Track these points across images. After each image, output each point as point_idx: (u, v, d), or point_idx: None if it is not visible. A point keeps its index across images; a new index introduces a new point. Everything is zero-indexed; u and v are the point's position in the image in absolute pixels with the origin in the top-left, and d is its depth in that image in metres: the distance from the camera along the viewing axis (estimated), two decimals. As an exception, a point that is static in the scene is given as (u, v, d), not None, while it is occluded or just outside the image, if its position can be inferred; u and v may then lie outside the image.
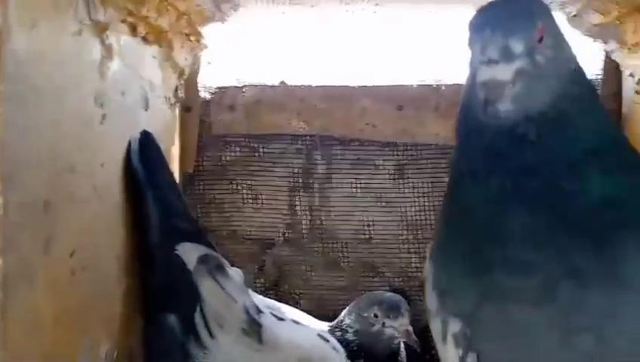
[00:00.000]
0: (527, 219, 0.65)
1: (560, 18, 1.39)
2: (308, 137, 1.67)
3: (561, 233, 0.64)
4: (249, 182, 1.67)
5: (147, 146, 1.25)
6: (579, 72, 0.73)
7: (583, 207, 0.65)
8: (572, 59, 0.73)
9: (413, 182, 1.67)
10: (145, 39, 1.31)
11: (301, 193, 1.67)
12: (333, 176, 1.68)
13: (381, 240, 1.67)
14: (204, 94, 1.68)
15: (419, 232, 1.66)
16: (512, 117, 0.67)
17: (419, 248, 1.66)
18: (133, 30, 1.24)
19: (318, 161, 1.67)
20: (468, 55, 0.75)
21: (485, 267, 0.68)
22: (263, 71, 1.69)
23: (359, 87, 1.67)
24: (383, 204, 1.67)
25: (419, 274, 1.61)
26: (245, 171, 1.67)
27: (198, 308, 1.21)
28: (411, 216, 1.67)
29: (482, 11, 0.72)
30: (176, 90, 1.56)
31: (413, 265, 1.65)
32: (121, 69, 1.16)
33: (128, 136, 1.22)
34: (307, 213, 1.67)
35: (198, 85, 1.68)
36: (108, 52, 1.10)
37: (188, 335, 1.20)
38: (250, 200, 1.67)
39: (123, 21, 1.18)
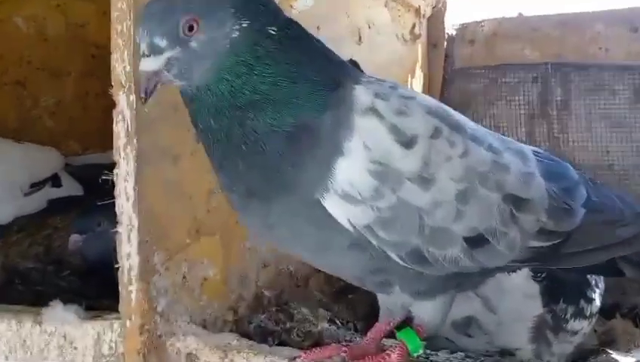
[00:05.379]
0: (219, 156, 0.88)
1: None
2: (543, 65, 1.70)
3: (238, 164, 0.86)
4: (491, 111, 1.78)
5: None
6: (240, 42, 0.85)
7: (248, 144, 0.85)
8: (233, 32, 0.85)
9: (652, 107, 1.59)
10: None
11: (539, 121, 1.72)
12: (570, 102, 1.69)
13: (621, 168, 1.64)
14: (450, 31, 1.82)
15: (658, 159, 1.59)
16: (188, 89, 0.87)
17: (659, 175, 1.59)
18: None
19: (554, 89, 1.70)
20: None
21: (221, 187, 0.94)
22: (504, 4, 1.77)
23: (592, 11, 1.63)
24: (621, 129, 1.63)
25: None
26: (486, 101, 1.78)
27: None
28: (650, 141, 1.60)
29: (144, 10, 0.88)
30: (412, 27, 1.75)
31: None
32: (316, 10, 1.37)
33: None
34: (546, 140, 1.71)
35: (444, 23, 1.82)
36: None
37: None
38: (492, 129, 1.78)
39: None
